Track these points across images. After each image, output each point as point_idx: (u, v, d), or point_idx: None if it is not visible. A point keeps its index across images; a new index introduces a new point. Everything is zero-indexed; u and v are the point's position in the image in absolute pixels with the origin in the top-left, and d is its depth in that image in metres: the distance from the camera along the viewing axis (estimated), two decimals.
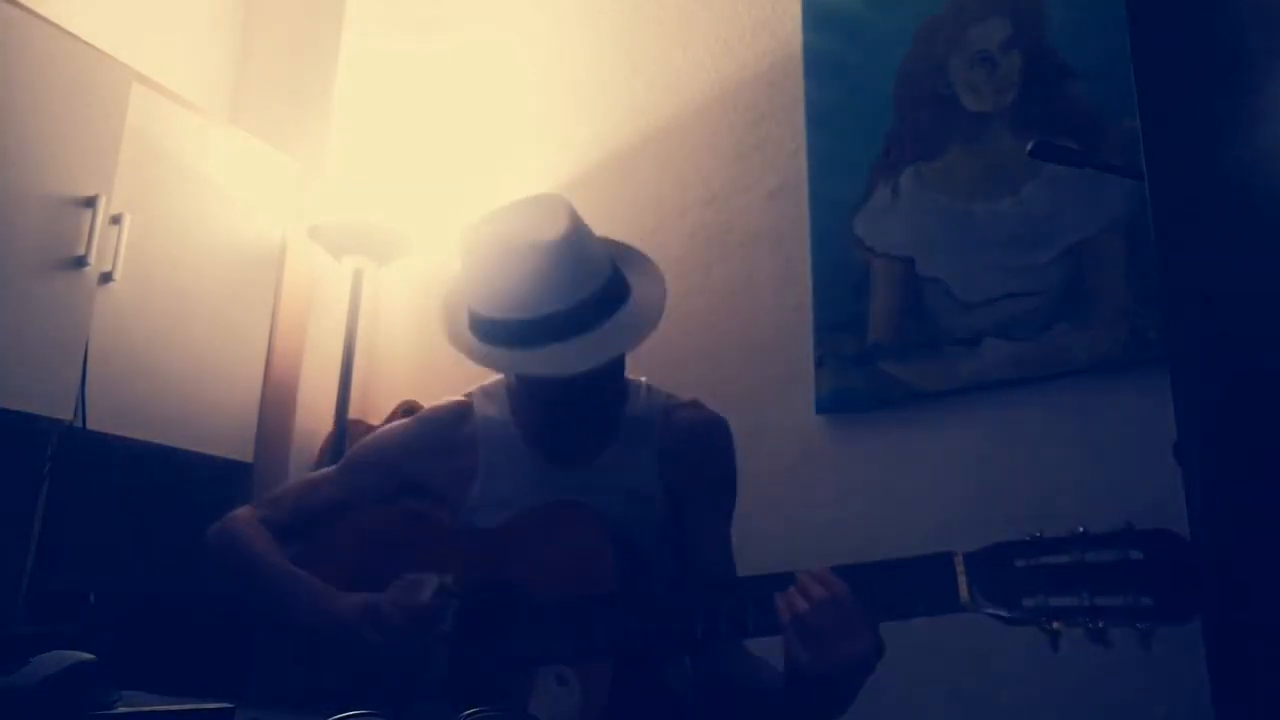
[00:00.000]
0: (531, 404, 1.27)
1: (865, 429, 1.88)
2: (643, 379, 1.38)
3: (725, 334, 2.11)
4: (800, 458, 1.92)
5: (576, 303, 1.13)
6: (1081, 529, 0.90)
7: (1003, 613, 0.90)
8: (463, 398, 1.38)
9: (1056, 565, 0.89)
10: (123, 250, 2.14)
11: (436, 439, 1.34)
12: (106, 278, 2.12)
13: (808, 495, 1.89)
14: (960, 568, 0.93)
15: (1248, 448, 0.79)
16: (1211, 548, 0.79)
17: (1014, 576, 0.91)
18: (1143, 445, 1.51)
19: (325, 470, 1.43)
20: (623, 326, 1.16)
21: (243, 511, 1.36)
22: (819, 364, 1.94)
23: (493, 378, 1.39)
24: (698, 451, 1.31)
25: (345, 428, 2.35)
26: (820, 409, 1.92)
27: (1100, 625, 0.85)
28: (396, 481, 1.34)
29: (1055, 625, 0.87)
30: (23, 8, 2.04)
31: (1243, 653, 0.76)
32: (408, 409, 2.32)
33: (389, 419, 2.45)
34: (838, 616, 0.95)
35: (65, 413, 2.02)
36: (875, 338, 1.87)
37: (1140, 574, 0.85)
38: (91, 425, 2.05)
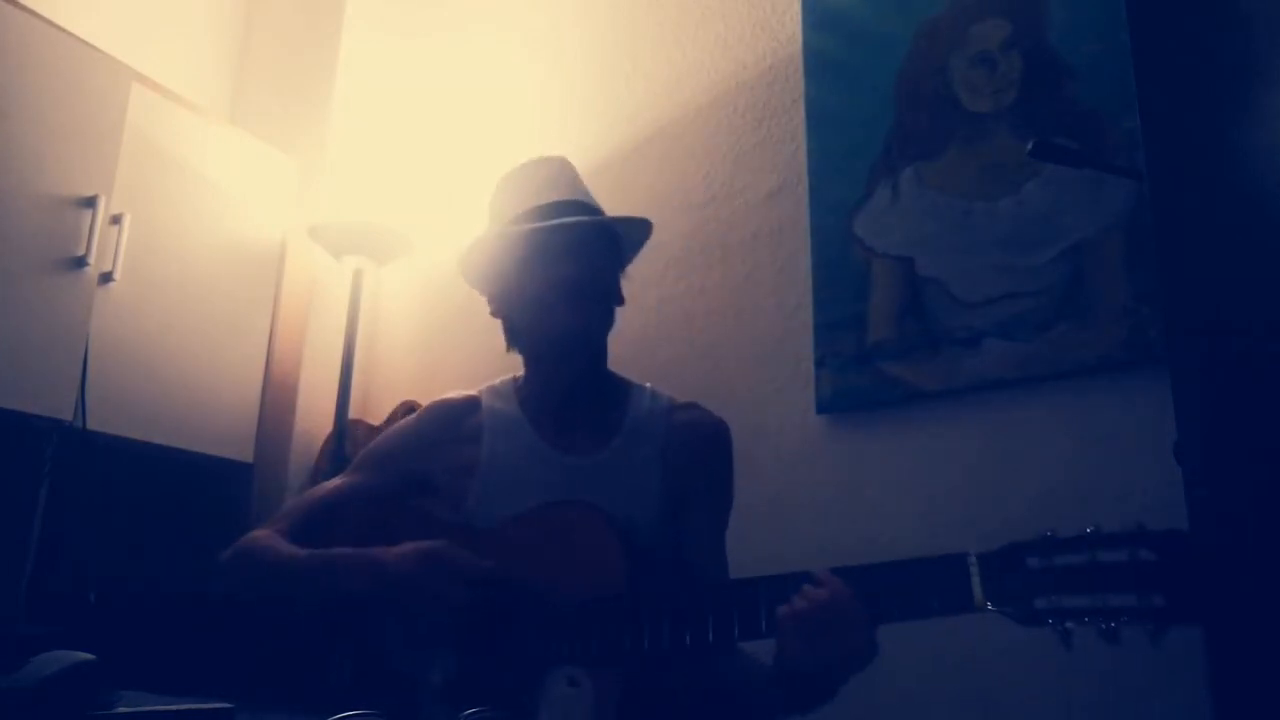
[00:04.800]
0: (544, 292, 1.29)
1: (865, 429, 1.88)
2: (647, 384, 1.39)
3: (725, 334, 2.11)
4: (800, 458, 1.92)
5: (580, 197, 1.34)
6: (1093, 528, 0.90)
7: (1015, 613, 0.91)
8: (473, 392, 1.40)
9: (1069, 565, 0.90)
10: (123, 250, 2.14)
11: (443, 430, 1.35)
12: (106, 278, 2.13)
13: (808, 495, 1.89)
14: (974, 568, 0.94)
15: (1248, 448, 0.79)
16: (1212, 548, 0.79)
17: (1027, 576, 0.91)
18: (1143, 445, 1.52)
19: (333, 479, 1.42)
20: (617, 220, 1.35)
21: (255, 532, 1.33)
22: (819, 364, 1.94)
23: (500, 378, 1.41)
24: (699, 453, 1.32)
25: (345, 428, 2.35)
26: (820, 409, 1.92)
27: (1112, 625, 0.86)
28: (403, 478, 1.34)
29: (1068, 625, 0.88)
30: (23, 8, 2.05)
31: (1243, 651, 0.76)
32: (408, 409, 2.32)
33: (389, 419, 2.45)
34: (834, 615, 0.96)
35: (65, 413, 2.02)
36: (875, 338, 1.87)
37: (1152, 574, 0.86)
38: (91, 425, 2.05)
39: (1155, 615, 0.85)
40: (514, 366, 1.41)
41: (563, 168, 1.39)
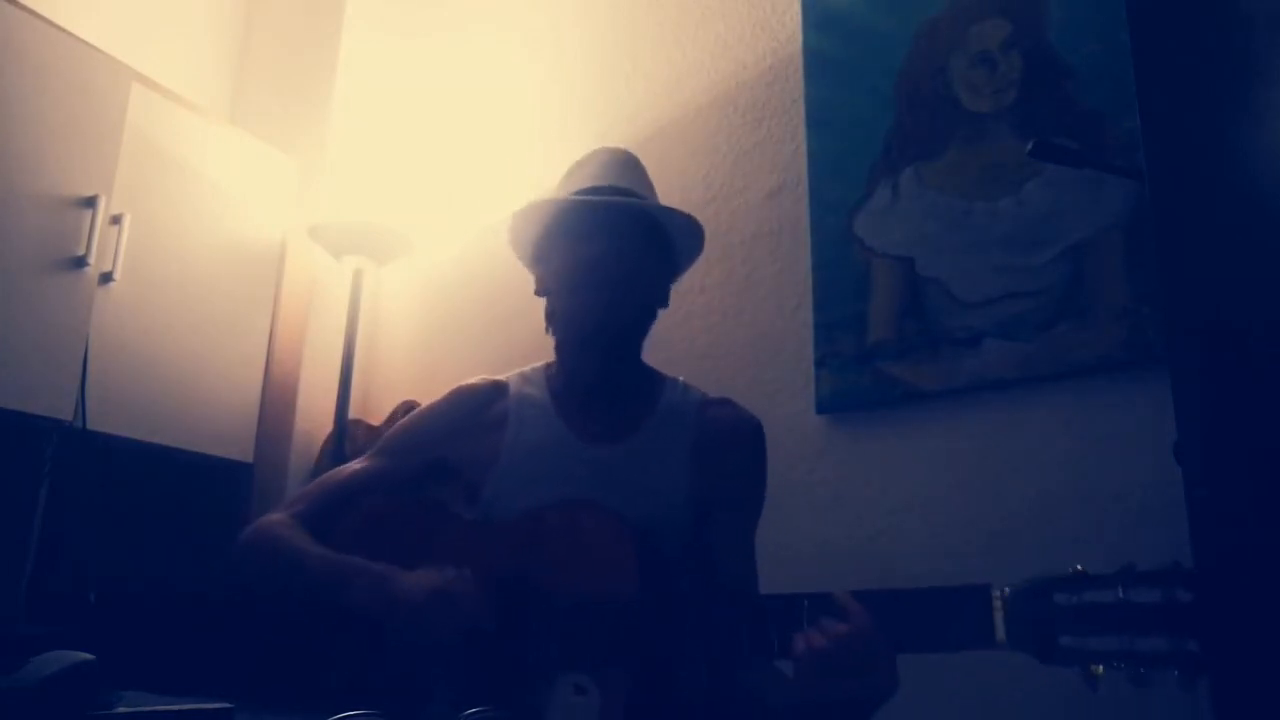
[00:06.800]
0: (575, 281, 1.28)
1: (865, 429, 1.88)
2: (680, 377, 1.37)
3: (725, 334, 2.11)
4: (800, 458, 1.92)
5: (633, 186, 1.32)
6: (1127, 565, 0.86)
7: (1039, 652, 0.87)
8: (501, 378, 1.38)
9: (1099, 604, 0.85)
10: (123, 250, 2.14)
11: (467, 416, 1.34)
12: (106, 278, 2.12)
13: (808, 495, 1.89)
14: (998, 603, 0.89)
15: (1248, 448, 0.79)
16: (1212, 548, 0.79)
17: (1053, 614, 0.87)
18: (1143, 445, 1.52)
19: (354, 462, 1.40)
20: (659, 209, 1.33)
21: (271, 515, 1.32)
22: (819, 364, 1.94)
23: (531, 364, 1.39)
24: (730, 450, 1.30)
25: (345, 428, 2.35)
26: (820, 409, 1.92)
27: (1141, 670, 0.82)
28: (425, 464, 1.33)
29: (1095, 669, 0.84)
30: (23, 8, 2.04)
31: (1243, 653, 0.76)
32: (408, 408, 2.32)
33: (389, 419, 2.45)
34: (854, 652, 0.92)
35: (65, 413, 2.02)
36: (875, 338, 1.87)
37: (1187, 617, 0.81)
38: (91, 425, 2.05)
39: (1189, 662, 0.80)
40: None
41: (627, 159, 1.38)
